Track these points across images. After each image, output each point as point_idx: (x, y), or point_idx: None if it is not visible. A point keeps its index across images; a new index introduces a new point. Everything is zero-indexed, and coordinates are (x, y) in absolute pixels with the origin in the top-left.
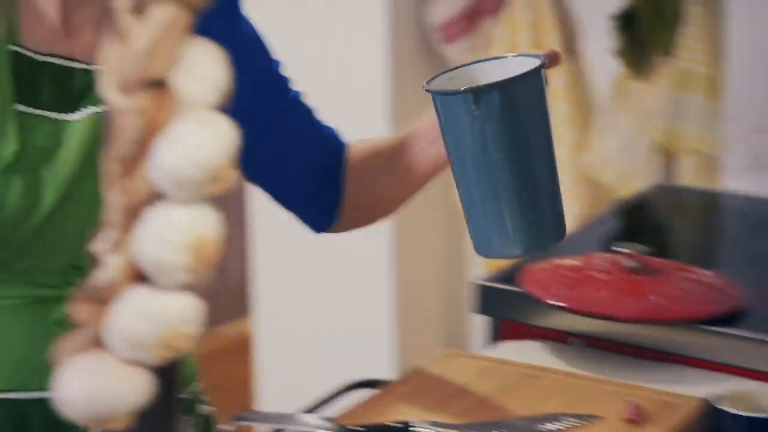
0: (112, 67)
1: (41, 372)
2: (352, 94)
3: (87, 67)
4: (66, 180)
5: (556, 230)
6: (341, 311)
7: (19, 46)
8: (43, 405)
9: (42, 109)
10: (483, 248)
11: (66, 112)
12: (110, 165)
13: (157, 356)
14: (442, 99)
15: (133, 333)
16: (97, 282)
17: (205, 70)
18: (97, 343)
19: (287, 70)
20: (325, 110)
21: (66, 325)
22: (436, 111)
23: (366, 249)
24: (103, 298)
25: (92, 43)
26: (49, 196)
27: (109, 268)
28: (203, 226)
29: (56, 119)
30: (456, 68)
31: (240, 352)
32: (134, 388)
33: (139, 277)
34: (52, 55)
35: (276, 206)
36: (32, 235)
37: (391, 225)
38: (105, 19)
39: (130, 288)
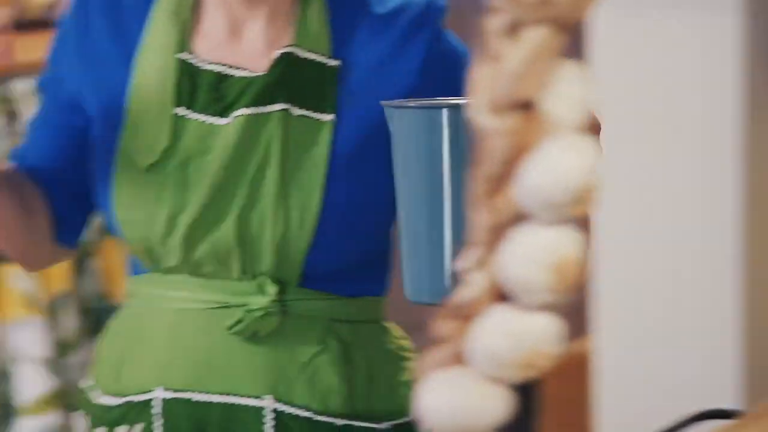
0: (483, 88)
1: (219, 375)
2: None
3: (246, 74)
4: (213, 183)
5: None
6: (684, 331)
7: (188, 53)
8: (219, 408)
9: (197, 113)
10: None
11: (218, 116)
12: (477, 184)
13: (518, 375)
14: (409, 114)
15: (496, 351)
16: (461, 299)
17: (572, 91)
18: (459, 359)
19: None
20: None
21: (242, 334)
22: (395, 126)
23: (709, 262)
24: (466, 315)
25: (256, 52)
26: (197, 197)
27: (473, 285)
28: (566, 247)
29: (209, 123)
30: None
31: (577, 371)
32: (496, 405)
33: (502, 295)
34: (215, 63)
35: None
36: (191, 238)
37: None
38: (271, 28)
39: (492, 306)
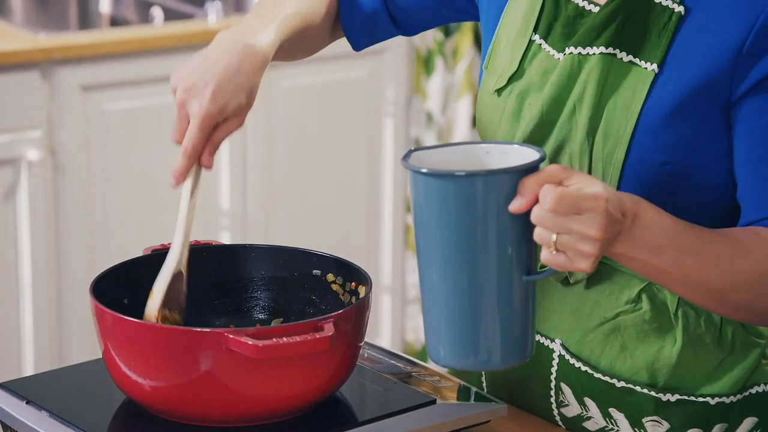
0: None
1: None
2: None
3: (598, 9)
4: (536, 121)
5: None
6: None
7: None
8: None
9: (549, 44)
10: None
11: (559, 50)
12: None
13: None
14: (437, 182)
15: None
16: None
17: None
18: None
19: None
20: None
21: (553, 276)
22: (420, 193)
23: None
24: None
25: None
26: (521, 133)
27: None
28: None
29: (555, 58)
30: (430, 147)
31: None
32: None
33: None
34: None
35: None
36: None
37: None
38: None
39: None
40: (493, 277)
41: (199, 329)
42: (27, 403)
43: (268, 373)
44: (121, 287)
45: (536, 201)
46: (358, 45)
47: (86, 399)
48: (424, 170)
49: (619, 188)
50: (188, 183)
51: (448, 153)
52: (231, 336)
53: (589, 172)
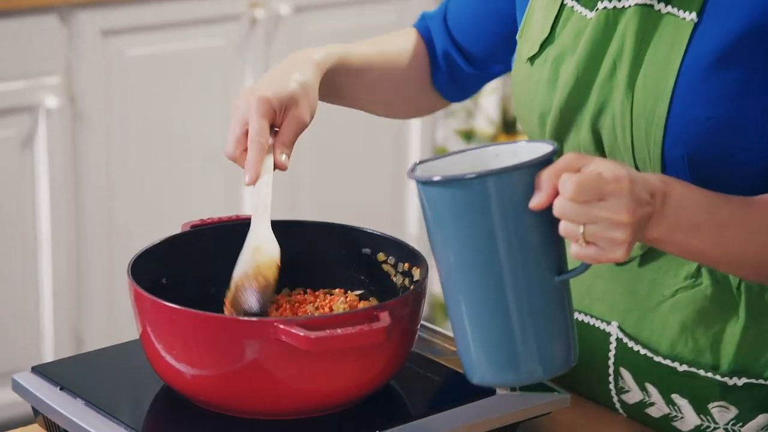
0: None
1: (578, 291)
2: None
3: None
4: (572, 85)
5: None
6: None
7: None
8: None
9: (581, 5)
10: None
11: (590, 9)
12: None
13: None
14: (449, 189)
15: None
16: None
17: None
18: None
19: None
20: None
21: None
22: (431, 204)
23: None
24: None
25: None
26: (558, 99)
27: None
28: None
29: (584, 16)
30: (441, 156)
31: None
32: None
33: None
34: None
35: None
36: (557, 141)
37: None
38: None
39: None
40: (522, 283)
41: (247, 318)
42: (61, 389)
43: (319, 364)
44: (159, 266)
45: (556, 194)
46: (449, 96)
47: (122, 385)
48: (434, 178)
49: (663, 148)
50: (265, 179)
51: (457, 161)
52: (282, 326)
53: (631, 131)
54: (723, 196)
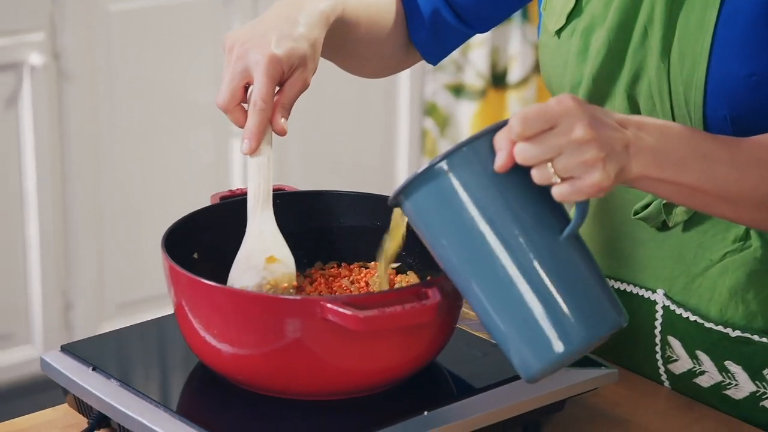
0: None
1: (621, 261)
2: None
3: None
4: (604, 54)
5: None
6: None
7: None
8: (617, 293)
9: None
10: (544, 360)
11: None
12: None
13: None
14: (436, 175)
15: None
16: None
17: None
18: None
19: None
20: None
21: (649, 222)
22: (418, 213)
23: None
24: None
25: None
26: (590, 70)
27: None
28: None
29: None
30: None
31: None
32: None
33: None
34: None
35: None
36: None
37: None
38: None
39: None
40: (528, 255)
41: (291, 297)
42: (93, 369)
43: (365, 343)
44: (190, 240)
45: None
46: (429, 55)
47: (154, 364)
48: (404, 182)
49: (704, 112)
50: (266, 153)
51: None
52: (329, 305)
53: (670, 97)
54: (704, 132)
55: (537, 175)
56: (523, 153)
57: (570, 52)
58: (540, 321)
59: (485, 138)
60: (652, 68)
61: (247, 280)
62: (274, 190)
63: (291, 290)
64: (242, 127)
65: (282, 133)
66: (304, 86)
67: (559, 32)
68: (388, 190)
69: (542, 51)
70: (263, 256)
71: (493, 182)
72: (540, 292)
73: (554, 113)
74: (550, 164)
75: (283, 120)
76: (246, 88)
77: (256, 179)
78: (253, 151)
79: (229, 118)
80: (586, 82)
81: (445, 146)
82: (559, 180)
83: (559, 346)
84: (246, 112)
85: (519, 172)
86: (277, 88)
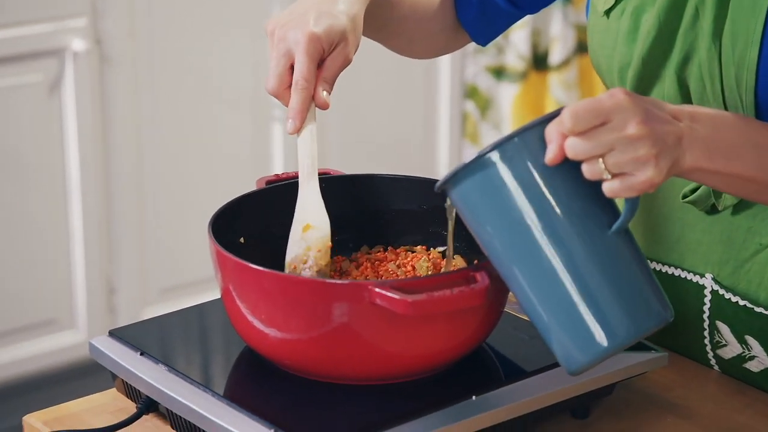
0: None
1: (668, 245)
2: None
3: None
4: (654, 35)
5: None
6: None
7: None
8: (665, 278)
9: None
10: (589, 354)
11: None
12: None
13: None
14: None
15: None
16: None
17: None
18: None
19: None
20: None
21: (698, 205)
22: (466, 202)
23: None
24: None
25: None
26: (639, 50)
27: None
28: None
29: None
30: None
31: None
32: None
33: None
34: None
35: None
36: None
37: None
38: None
39: None
40: (576, 248)
41: (339, 281)
42: (141, 354)
43: (413, 327)
44: (237, 225)
45: None
46: (477, 35)
47: (201, 349)
48: (453, 171)
49: (756, 96)
50: (309, 128)
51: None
52: (377, 290)
53: (721, 79)
54: (756, 120)
55: (588, 171)
56: (575, 148)
57: (619, 33)
58: (585, 314)
59: (536, 129)
60: (703, 49)
61: (290, 254)
62: (319, 174)
63: (323, 265)
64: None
65: (324, 106)
66: (346, 62)
67: (608, 12)
68: (430, 174)
69: (591, 32)
70: (301, 227)
71: (543, 174)
72: (586, 285)
73: (606, 108)
74: (601, 160)
75: (325, 93)
76: (292, 69)
77: (302, 153)
78: (298, 130)
79: (282, 102)
80: (635, 63)
81: (486, 129)
82: (610, 176)
83: (603, 340)
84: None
85: (569, 165)
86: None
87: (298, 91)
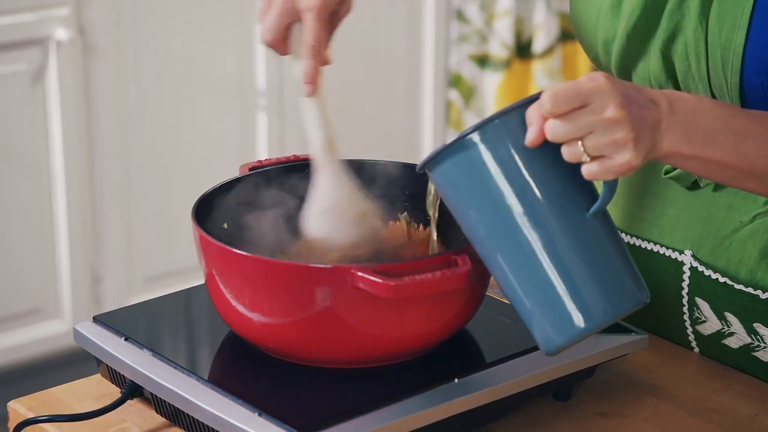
0: None
1: (648, 221)
2: None
3: None
4: (640, 11)
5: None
6: None
7: None
8: (644, 253)
9: None
10: (566, 332)
11: None
12: None
13: None
14: (466, 145)
15: None
16: None
17: None
18: None
19: None
20: None
21: (679, 181)
22: (448, 181)
23: None
24: None
25: None
26: (624, 25)
27: None
28: None
29: None
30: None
31: None
32: None
33: None
34: None
35: None
36: (622, 69)
37: None
38: None
39: None
40: (554, 230)
41: (321, 265)
42: (126, 339)
43: (395, 311)
44: (220, 210)
45: None
46: None
47: (185, 334)
48: (434, 151)
49: (742, 78)
50: (322, 97)
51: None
52: (359, 273)
53: (707, 61)
54: (734, 106)
55: (567, 153)
56: (554, 130)
57: (603, 6)
58: (562, 296)
59: (517, 111)
60: (690, 29)
61: (348, 234)
62: (301, 161)
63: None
64: (284, 55)
65: (328, 61)
66: (347, 14)
67: None
68: (413, 162)
69: (574, 3)
70: (354, 210)
71: (523, 156)
72: (563, 267)
73: (586, 91)
74: (580, 142)
75: (329, 51)
76: (288, 27)
77: (318, 124)
78: (315, 93)
79: (276, 50)
80: (619, 38)
81: (470, 117)
82: (588, 159)
83: (580, 322)
84: (287, 45)
85: (549, 147)
86: None
87: (314, 57)
